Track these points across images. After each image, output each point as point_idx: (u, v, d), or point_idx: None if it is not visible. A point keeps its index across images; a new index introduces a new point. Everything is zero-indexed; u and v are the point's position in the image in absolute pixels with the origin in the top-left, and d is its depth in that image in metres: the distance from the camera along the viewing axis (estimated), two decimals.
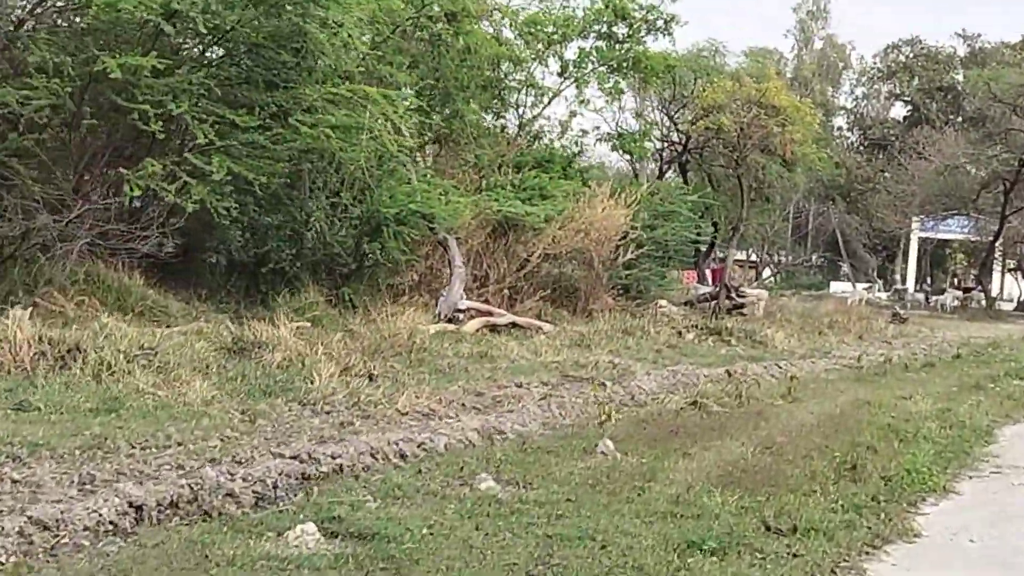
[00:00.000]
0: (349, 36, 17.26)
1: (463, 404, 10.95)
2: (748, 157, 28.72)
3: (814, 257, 62.55)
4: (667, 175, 39.91)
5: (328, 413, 9.80)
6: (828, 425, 11.07)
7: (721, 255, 54.96)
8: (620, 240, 24.93)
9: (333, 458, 7.43)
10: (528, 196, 22.55)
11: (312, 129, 15.29)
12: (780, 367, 16.87)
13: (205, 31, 14.84)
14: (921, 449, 9.89)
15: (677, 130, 36.68)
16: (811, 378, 15.99)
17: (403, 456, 8.04)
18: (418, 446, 8.32)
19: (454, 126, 22.12)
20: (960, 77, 56.93)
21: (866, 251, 59.15)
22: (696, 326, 21.60)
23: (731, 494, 7.54)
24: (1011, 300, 52.91)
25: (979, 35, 59.19)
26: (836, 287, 54.42)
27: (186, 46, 16.71)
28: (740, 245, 53.43)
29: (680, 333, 20.60)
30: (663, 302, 26.77)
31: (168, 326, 14.20)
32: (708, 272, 42.40)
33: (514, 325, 19.36)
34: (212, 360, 11.55)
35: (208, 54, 17.06)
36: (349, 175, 18.54)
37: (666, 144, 38.97)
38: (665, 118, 37.81)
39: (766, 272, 56.90)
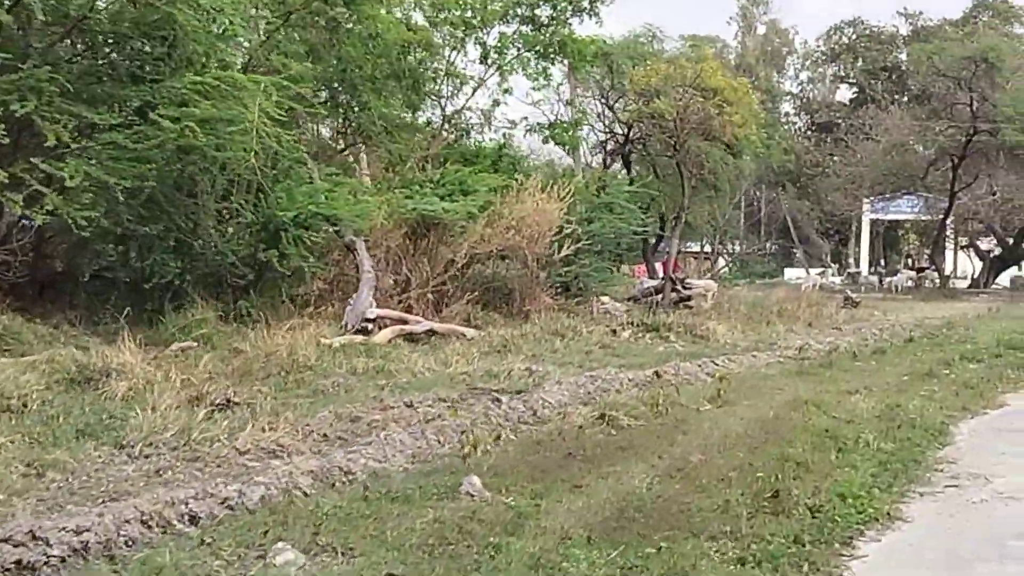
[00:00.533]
0: (229, 23, 15.42)
1: (326, 435, 9.07)
2: (687, 143, 26.96)
3: (768, 245, 60.98)
4: (613, 167, 38.35)
5: (147, 457, 7.92)
6: (757, 434, 9.29)
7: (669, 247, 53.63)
8: (555, 236, 23.14)
9: (77, 533, 5.52)
10: (448, 192, 20.66)
11: (175, 124, 13.34)
12: (718, 364, 15.06)
13: (45, 18, 12.93)
14: (862, 461, 8.15)
15: (618, 120, 34.99)
16: (749, 375, 14.22)
17: (194, 519, 6.14)
18: (221, 502, 6.42)
19: (363, 120, 20.21)
20: (904, 56, 55.45)
21: (819, 236, 57.63)
22: (632, 323, 19.78)
23: (612, 546, 5.75)
24: (965, 278, 51.52)
25: (920, 13, 57.85)
26: (790, 274, 52.95)
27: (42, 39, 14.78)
28: (689, 236, 51.82)
29: (615, 331, 18.83)
30: (605, 298, 25.01)
31: (23, 355, 12.35)
32: (659, 265, 40.89)
33: (433, 332, 17.51)
34: (38, 396, 9.68)
35: (70, 46, 15.14)
36: (238, 176, 16.65)
37: (609, 135, 37.35)
38: (606, 108, 36.21)
39: (720, 262, 55.33)
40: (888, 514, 6.80)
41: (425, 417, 10.02)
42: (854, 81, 59.40)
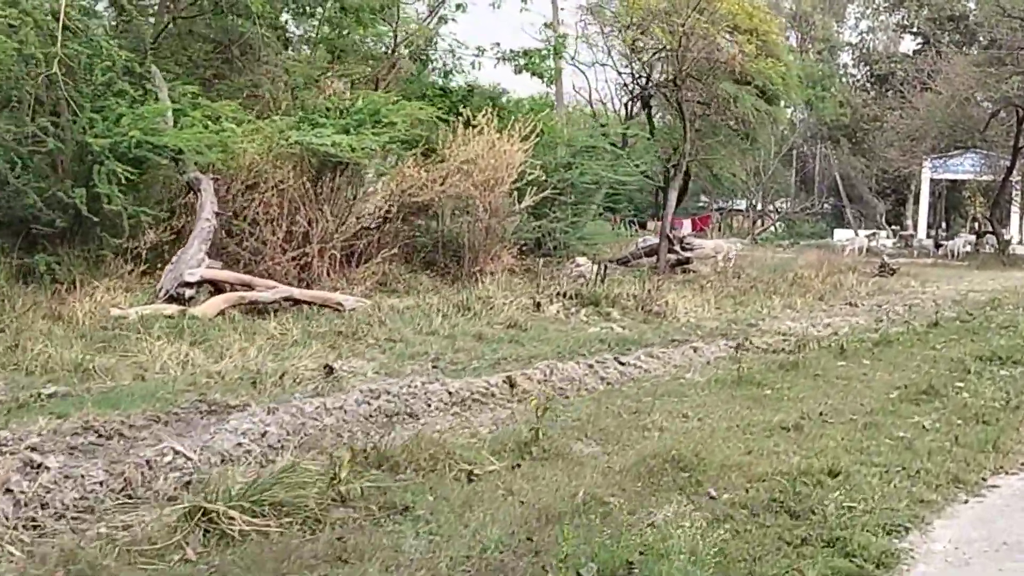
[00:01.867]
0: None
1: None
2: (689, 78, 21.56)
3: (819, 204, 54.74)
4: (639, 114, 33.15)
5: None
6: (492, 567, 4.26)
7: (704, 204, 48.11)
8: (515, 183, 18.12)
9: None
10: (356, 123, 15.66)
11: None
12: (625, 365, 9.91)
13: None
14: None
15: (637, 59, 29.60)
16: (654, 387, 9.04)
17: None
18: None
19: (243, 28, 15.30)
20: (972, 5, 48.61)
21: (873, 195, 51.28)
22: (563, 294, 14.59)
23: None
24: None
25: None
26: (840, 235, 46.87)
27: None
28: (728, 193, 46.26)
29: (538, 305, 13.72)
30: (582, 259, 19.97)
31: None
32: (688, 223, 35.94)
33: (294, 301, 12.70)
34: None
35: None
36: (36, 88, 12.09)
37: (634, 77, 32.05)
38: (624, 46, 30.88)
39: (766, 221, 49.65)
40: None
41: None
42: (918, 31, 52.63)
